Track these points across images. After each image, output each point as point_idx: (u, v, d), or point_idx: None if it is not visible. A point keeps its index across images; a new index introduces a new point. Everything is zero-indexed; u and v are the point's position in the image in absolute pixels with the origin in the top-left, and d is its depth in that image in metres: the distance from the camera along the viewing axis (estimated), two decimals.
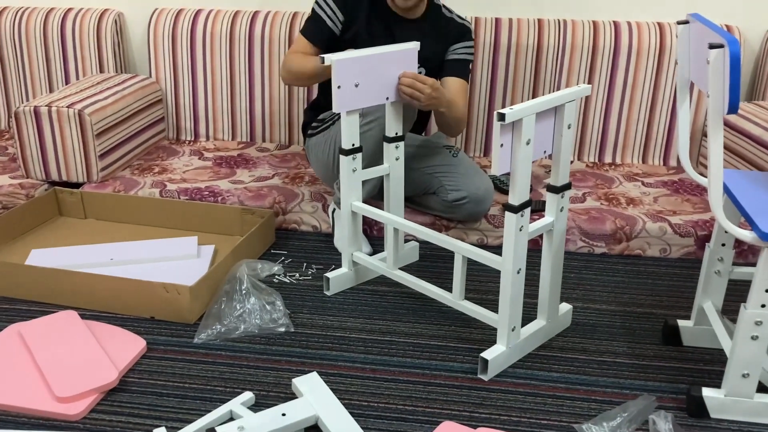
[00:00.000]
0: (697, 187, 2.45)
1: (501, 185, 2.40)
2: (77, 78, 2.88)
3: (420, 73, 2.17)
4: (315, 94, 2.46)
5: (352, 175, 1.88)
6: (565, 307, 1.78)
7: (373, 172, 1.93)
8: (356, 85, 1.79)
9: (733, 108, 1.23)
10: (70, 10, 2.85)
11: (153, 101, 2.75)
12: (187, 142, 2.86)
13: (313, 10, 2.13)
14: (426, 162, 2.16)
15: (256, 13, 2.75)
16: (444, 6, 2.21)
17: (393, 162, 1.94)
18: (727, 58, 1.20)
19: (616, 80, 2.62)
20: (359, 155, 1.87)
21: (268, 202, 2.30)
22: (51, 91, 2.90)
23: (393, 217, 1.84)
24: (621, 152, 2.71)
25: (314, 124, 2.27)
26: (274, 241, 2.23)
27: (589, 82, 2.63)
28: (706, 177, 1.55)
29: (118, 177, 2.48)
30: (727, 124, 2.44)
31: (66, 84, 2.89)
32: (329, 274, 1.92)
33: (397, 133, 1.91)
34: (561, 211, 1.62)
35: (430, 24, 2.16)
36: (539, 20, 2.63)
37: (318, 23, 2.11)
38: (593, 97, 2.65)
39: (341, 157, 1.85)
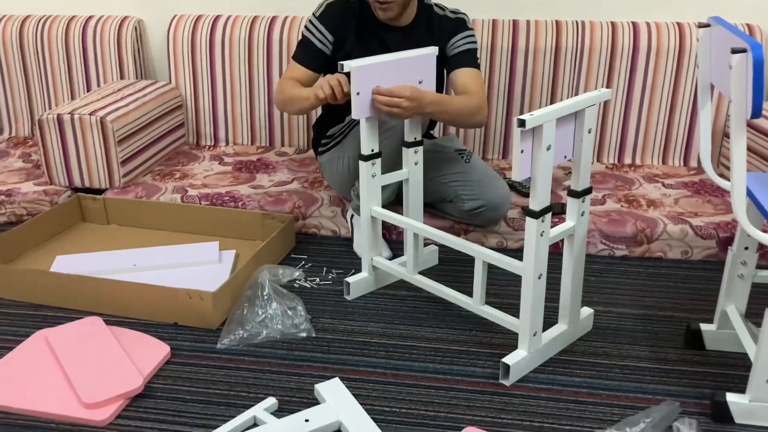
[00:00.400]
0: (718, 189, 2.43)
1: (520, 188, 2.40)
2: (98, 85, 2.91)
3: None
4: (320, 109, 2.44)
5: (371, 180, 1.89)
6: (587, 311, 1.78)
7: (393, 177, 1.93)
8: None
9: (756, 113, 1.22)
10: (90, 17, 2.88)
11: (173, 107, 2.77)
12: (207, 147, 2.89)
13: (302, 34, 2.12)
14: (439, 170, 2.13)
15: (274, 19, 2.77)
16: (436, 5, 2.15)
17: (412, 167, 1.94)
18: (750, 63, 1.20)
19: (635, 81, 2.61)
20: (378, 161, 1.88)
21: (288, 206, 2.32)
22: (73, 98, 2.94)
23: (413, 222, 1.85)
24: (641, 153, 2.69)
25: (324, 141, 2.26)
26: (294, 246, 2.25)
27: (608, 84, 2.62)
28: (727, 179, 1.54)
29: (140, 183, 2.51)
30: (751, 125, 2.42)
31: (88, 91, 2.92)
32: (349, 279, 1.93)
33: (416, 138, 1.92)
34: (582, 215, 1.62)
35: (423, 27, 2.11)
36: (557, 22, 2.63)
37: (308, 47, 2.09)
38: (612, 99, 2.64)
39: (361, 162, 1.86)
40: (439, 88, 2.23)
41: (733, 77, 1.23)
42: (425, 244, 2.15)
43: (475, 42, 2.13)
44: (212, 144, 2.91)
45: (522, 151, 1.42)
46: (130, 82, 2.82)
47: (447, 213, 2.20)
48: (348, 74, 1.77)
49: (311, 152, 2.81)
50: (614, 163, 2.70)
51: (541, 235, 1.51)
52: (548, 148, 1.44)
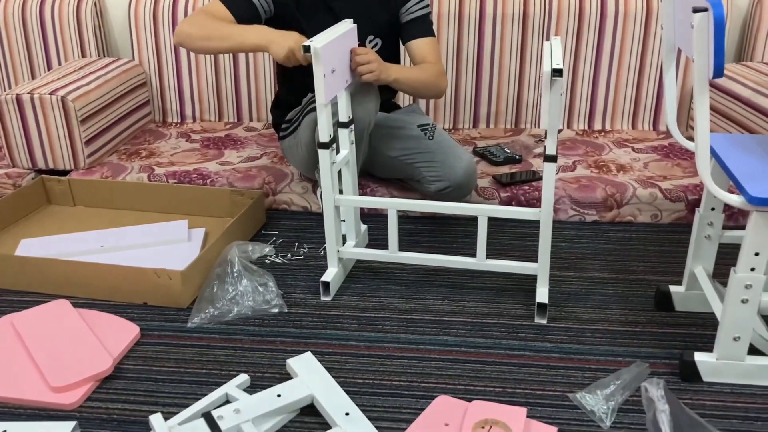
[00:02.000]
0: (687, 152, 2.45)
1: (490, 156, 2.39)
2: (59, 63, 2.84)
3: (375, 45, 2.11)
4: (277, 87, 2.32)
5: (333, 167, 1.77)
6: None
7: (342, 158, 1.85)
8: (332, 71, 1.68)
9: (718, 72, 1.21)
10: None
11: (137, 84, 2.71)
12: (173, 124, 2.84)
13: None
14: (403, 149, 2.09)
15: None
16: None
17: (349, 147, 1.87)
18: (711, 22, 1.19)
19: (603, 46, 2.60)
20: (334, 146, 1.77)
21: (258, 182, 2.29)
22: (33, 77, 2.86)
23: (393, 201, 1.77)
24: (611, 118, 2.69)
25: (284, 126, 2.22)
26: (264, 222, 2.23)
27: (576, 50, 2.61)
28: (694, 141, 1.54)
29: (106, 163, 2.46)
30: (715, 86, 2.43)
31: (48, 70, 2.85)
32: (325, 279, 1.83)
33: (349, 117, 1.84)
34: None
35: None
36: None
37: (245, 1, 1.97)
38: (581, 64, 2.63)
39: (320, 151, 1.73)
40: (395, 54, 2.19)
41: (695, 36, 1.22)
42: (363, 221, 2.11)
43: (428, 5, 2.09)
44: (179, 121, 2.86)
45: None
46: (91, 60, 2.75)
47: (418, 190, 2.19)
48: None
49: None
50: (584, 129, 2.70)
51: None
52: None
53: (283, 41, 1.80)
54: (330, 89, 1.68)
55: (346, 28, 1.78)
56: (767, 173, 1.38)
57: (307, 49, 1.60)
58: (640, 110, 2.67)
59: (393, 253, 1.82)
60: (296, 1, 2.02)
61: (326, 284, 1.81)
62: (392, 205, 1.77)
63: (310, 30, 1.98)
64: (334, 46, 1.69)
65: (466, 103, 2.71)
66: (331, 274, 1.83)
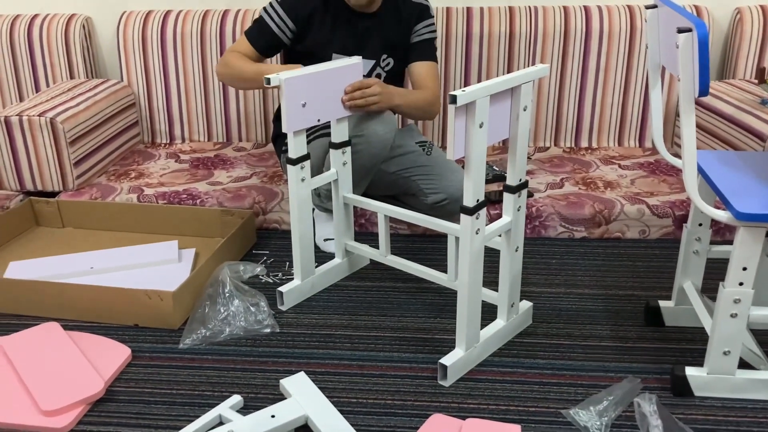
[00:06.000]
0: (673, 168, 2.48)
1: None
2: (47, 85, 2.84)
3: (388, 64, 2.16)
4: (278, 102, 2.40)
5: (300, 184, 1.80)
6: (526, 305, 1.76)
7: (322, 179, 1.87)
8: (303, 105, 1.73)
9: (703, 91, 1.24)
10: (36, 16, 2.81)
11: (126, 105, 2.72)
12: (162, 145, 2.84)
13: (260, 14, 2.07)
14: (401, 165, 2.13)
15: (226, 12, 2.73)
16: None
17: (340, 167, 1.90)
18: (695, 42, 1.21)
19: (589, 64, 2.64)
20: (307, 163, 1.80)
21: (248, 202, 2.29)
22: (21, 99, 2.86)
23: (384, 205, 1.82)
24: (597, 136, 2.73)
25: (287, 141, 2.23)
26: (255, 242, 2.23)
27: (562, 69, 2.65)
28: (680, 158, 1.57)
29: (95, 184, 2.46)
30: (700, 103, 2.47)
31: (36, 92, 2.85)
32: (283, 289, 1.86)
33: (344, 140, 1.88)
34: (518, 210, 1.59)
35: (389, 12, 2.11)
36: (510, 8, 2.64)
37: (264, 30, 2.05)
38: (567, 82, 2.66)
39: (289, 167, 1.77)
40: (402, 74, 2.23)
41: (680, 56, 1.25)
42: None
43: (435, 31, 2.17)
44: (168, 142, 2.86)
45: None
46: (80, 81, 2.75)
47: (411, 206, 2.20)
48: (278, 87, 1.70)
49: (270, 147, 2.78)
50: (571, 146, 2.73)
51: (477, 233, 1.47)
52: (481, 126, 1.40)
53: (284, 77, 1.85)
54: (295, 121, 1.72)
55: (339, 64, 1.81)
56: (753, 189, 1.40)
57: (268, 81, 1.67)
58: (626, 127, 2.70)
59: (382, 255, 1.87)
60: (321, 23, 2.06)
61: (281, 293, 1.86)
62: (382, 209, 1.83)
63: (322, 51, 2.05)
64: (308, 80, 1.72)
65: None
66: (291, 285, 1.88)
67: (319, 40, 2.07)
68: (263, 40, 2.06)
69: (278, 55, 2.30)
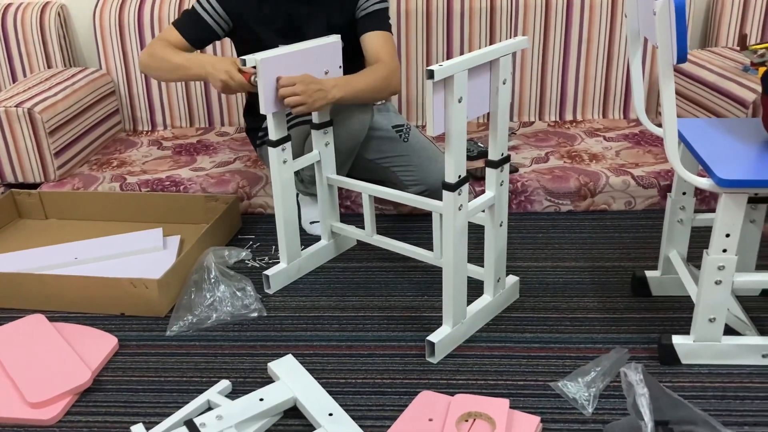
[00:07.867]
0: (657, 138, 2.47)
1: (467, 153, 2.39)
2: (24, 75, 2.80)
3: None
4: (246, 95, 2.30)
5: (283, 166, 1.79)
6: (512, 279, 1.75)
7: (305, 160, 1.86)
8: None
9: (681, 57, 1.23)
10: (9, 5, 2.76)
11: (105, 93, 2.68)
12: (144, 132, 2.81)
13: (192, 6, 1.98)
14: (379, 151, 2.09)
15: None
16: None
17: (323, 148, 1.88)
18: (672, 8, 1.20)
19: (571, 36, 2.62)
20: (288, 145, 1.78)
21: (232, 187, 2.28)
22: None
23: (368, 185, 1.80)
24: (581, 108, 2.72)
25: (260, 134, 2.20)
26: (240, 227, 2.21)
27: (545, 41, 2.63)
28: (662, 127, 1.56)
29: (76, 174, 2.43)
30: (682, 72, 2.46)
31: (13, 82, 2.81)
32: (269, 272, 1.85)
33: (325, 120, 1.86)
34: (501, 185, 1.58)
35: None
36: None
37: (197, 20, 1.96)
38: (550, 55, 2.65)
39: (270, 149, 1.75)
40: (356, 55, 2.15)
41: (658, 23, 1.24)
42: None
43: (385, 1, 2.01)
44: (150, 129, 2.83)
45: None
46: (57, 70, 2.71)
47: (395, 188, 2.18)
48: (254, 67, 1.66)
49: None
50: (556, 120, 2.72)
51: (459, 209, 1.46)
52: (460, 101, 1.38)
53: (219, 65, 1.77)
54: (273, 103, 1.70)
55: (316, 43, 1.77)
56: (735, 156, 1.40)
57: (244, 62, 1.62)
58: (610, 99, 2.69)
59: (368, 235, 1.86)
60: (258, 9, 1.98)
61: (267, 277, 1.85)
62: (366, 189, 1.81)
63: (267, 40, 1.96)
64: (283, 61, 1.69)
65: None
66: (277, 268, 1.87)
67: (258, 33, 1.99)
68: (195, 31, 1.96)
69: (211, 46, 2.22)
